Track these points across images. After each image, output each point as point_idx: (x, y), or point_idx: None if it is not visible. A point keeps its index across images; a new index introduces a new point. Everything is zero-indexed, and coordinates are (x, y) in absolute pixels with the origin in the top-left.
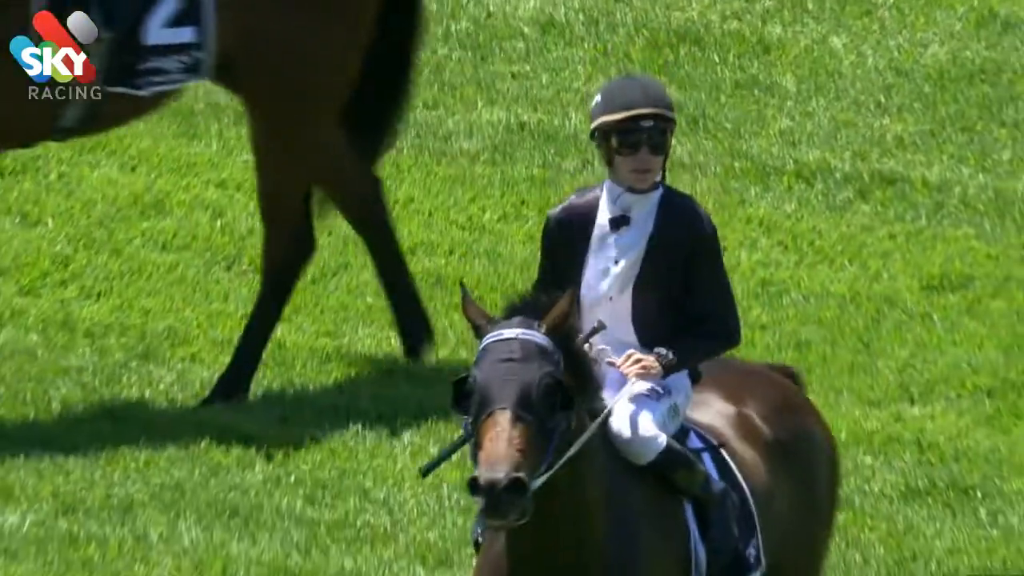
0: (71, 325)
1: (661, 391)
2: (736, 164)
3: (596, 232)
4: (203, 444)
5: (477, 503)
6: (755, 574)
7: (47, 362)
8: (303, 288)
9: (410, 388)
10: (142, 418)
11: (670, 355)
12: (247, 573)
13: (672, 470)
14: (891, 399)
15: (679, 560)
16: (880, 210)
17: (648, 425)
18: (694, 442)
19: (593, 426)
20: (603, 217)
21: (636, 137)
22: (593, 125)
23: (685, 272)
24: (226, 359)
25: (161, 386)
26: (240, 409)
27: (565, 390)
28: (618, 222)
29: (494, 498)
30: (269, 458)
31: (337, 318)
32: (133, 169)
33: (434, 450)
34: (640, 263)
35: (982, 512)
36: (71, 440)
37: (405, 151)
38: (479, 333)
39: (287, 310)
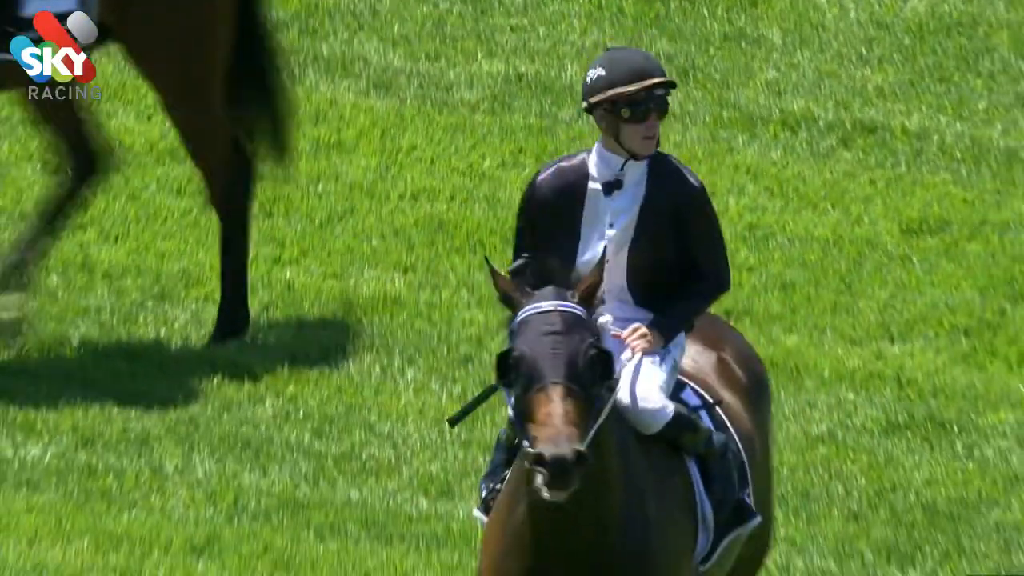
0: (90, 267)
1: (662, 352)
2: (724, 113)
3: (589, 197)
4: (216, 380)
5: (539, 476)
6: (756, 519)
7: (67, 302)
8: (311, 232)
9: (413, 328)
10: (157, 356)
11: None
12: (258, 503)
13: (678, 435)
14: (872, 337)
15: (688, 519)
16: (862, 157)
17: (656, 396)
18: (691, 398)
19: (613, 396)
20: (595, 182)
21: (647, 106)
22: (601, 97)
23: (678, 229)
24: None
25: (176, 325)
26: (250, 347)
27: (607, 359)
28: (611, 186)
29: (561, 472)
30: (279, 394)
31: (343, 260)
32: (149, 118)
33: (436, 386)
34: (634, 225)
35: (958, 445)
36: (90, 377)
37: (408, 101)
38: (513, 305)
39: (295, 253)
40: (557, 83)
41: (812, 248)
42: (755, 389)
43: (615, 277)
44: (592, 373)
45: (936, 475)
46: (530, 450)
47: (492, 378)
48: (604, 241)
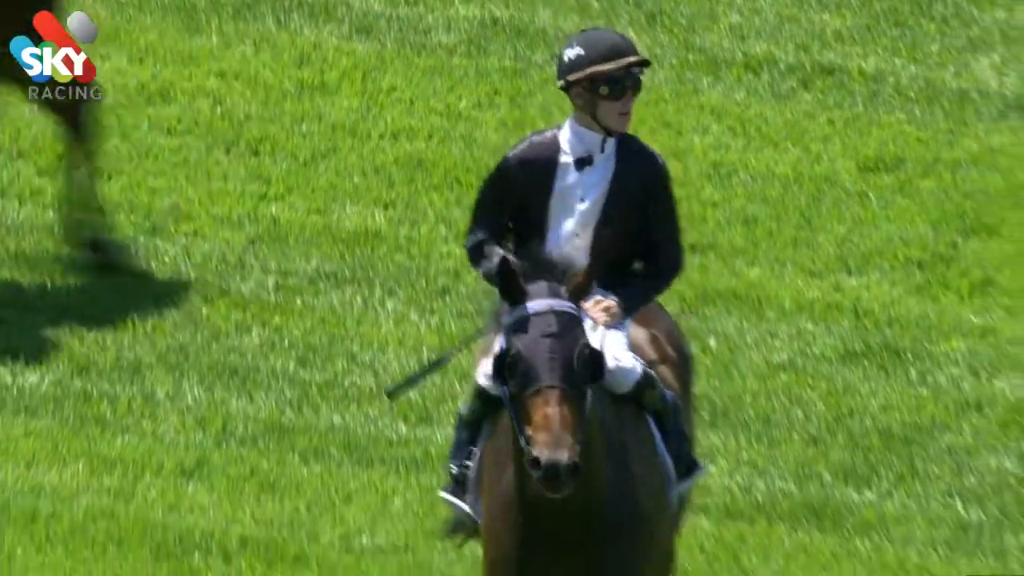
0: (85, 203)
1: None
2: (690, 56)
3: (560, 172)
4: (204, 311)
5: (535, 476)
6: (702, 471)
7: (63, 237)
8: (294, 169)
9: (393, 261)
10: (149, 287)
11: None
12: (245, 429)
13: (642, 392)
14: (831, 270)
15: (658, 474)
16: (820, 98)
17: (627, 356)
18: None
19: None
20: (566, 158)
21: (623, 84)
22: (580, 75)
23: (643, 206)
24: (226, 234)
25: (166, 259)
26: (238, 279)
27: (598, 359)
28: (583, 161)
29: (557, 477)
30: (265, 324)
31: (326, 197)
32: (140, 60)
33: (415, 317)
34: (604, 200)
35: (912, 372)
36: (85, 308)
37: (388, 45)
38: (512, 300)
39: (280, 190)
40: (531, 27)
41: (773, 184)
42: (683, 364)
43: (582, 250)
44: (585, 373)
45: (891, 401)
46: (530, 452)
47: (468, 309)
48: (573, 215)
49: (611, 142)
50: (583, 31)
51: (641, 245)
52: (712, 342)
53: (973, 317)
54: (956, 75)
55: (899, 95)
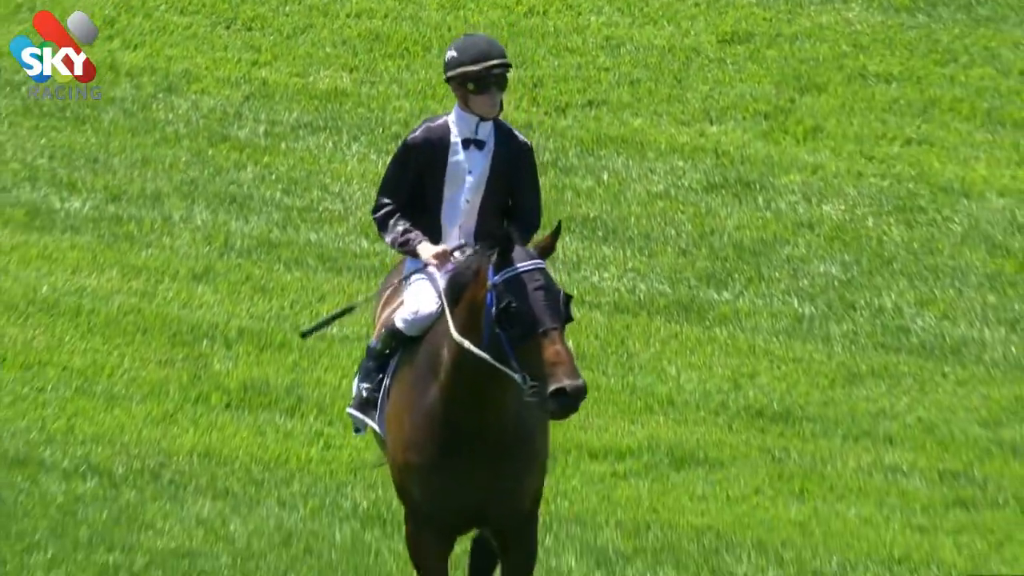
0: (116, 68)
1: None
2: None
3: (452, 151)
4: (211, 151)
5: (552, 405)
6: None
7: (99, 94)
8: (279, 42)
9: (357, 113)
10: (167, 133)
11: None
12: (242, 244)
13: None
14: (697, 120)
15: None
16: None
17: None
18: None
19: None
20: (455, 138)
21: (487, 81)
22: (452, 74)
23: (515, 179)
24: (226, 92)
25: (180, 111)
26: (237, 127)
27: (569, 301)
28: (469, 142)
29: (579, 399)
30: (257, 162)
31: (305, 63)
32: None
33: (374, 157)
34: (487, 174)
35: (760, 200)
36: (116, 148)
37: None
38: (502, 265)
39: (268, 57)
40: None
41: (652, 53)
42: None
43: (469, 218)
44: (567, 313)
45: (743, 222)
46: (545, 386)
47: None
48: (464, 185)
49: (489, 126)
50: (464, 36)
51: (511, 206)
52: (605, 176)
53: (806, 156)
54: None
55: None
